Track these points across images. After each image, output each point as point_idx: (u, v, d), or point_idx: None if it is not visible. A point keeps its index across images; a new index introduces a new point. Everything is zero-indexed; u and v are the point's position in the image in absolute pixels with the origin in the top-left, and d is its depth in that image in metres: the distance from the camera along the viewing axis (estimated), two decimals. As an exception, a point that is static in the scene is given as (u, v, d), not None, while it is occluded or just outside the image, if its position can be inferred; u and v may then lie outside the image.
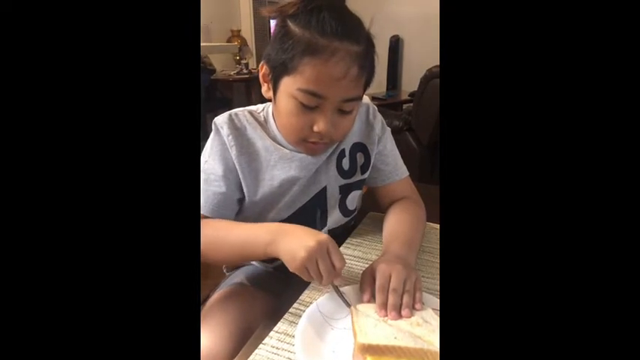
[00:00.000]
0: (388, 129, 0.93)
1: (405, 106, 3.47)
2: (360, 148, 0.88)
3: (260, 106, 0.86)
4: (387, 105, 3.35)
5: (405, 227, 0.81)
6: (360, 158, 0.88)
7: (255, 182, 0.81)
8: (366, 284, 0.67)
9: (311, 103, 0.69)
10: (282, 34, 0.69)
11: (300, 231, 0.64)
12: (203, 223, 0.75)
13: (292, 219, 0.86)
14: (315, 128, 0.72)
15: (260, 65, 0.77)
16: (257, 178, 0.81)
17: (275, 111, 0.78)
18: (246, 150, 0.80)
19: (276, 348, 0.60)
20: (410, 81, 3.79)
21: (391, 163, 0.91)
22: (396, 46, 3.78)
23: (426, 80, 2.35)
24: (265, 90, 0.78)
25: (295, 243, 0.62)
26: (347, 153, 0.87)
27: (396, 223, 0.84)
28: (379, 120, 0.90)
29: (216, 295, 0.86)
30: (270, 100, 0.79)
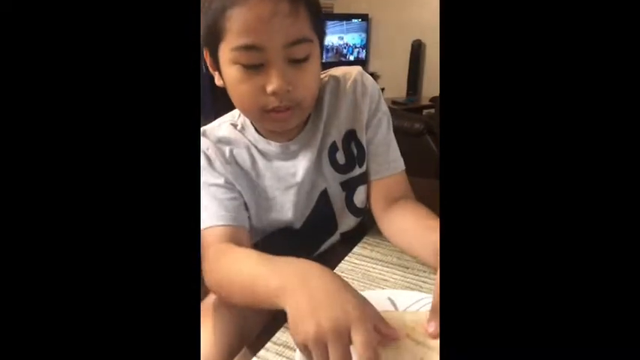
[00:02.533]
0: (385, 112, 0.76)
1: (425, 111, 3.35)
2: (352, 136, 0.74)
3: (235, 113, 0.76)
4: (408, 110, 3.23)
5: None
6: (354, 149, 0.75)
7: (252, 198, 0.72)
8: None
9: (252, 60, 0.59)
10: (205, 8, 0.60)
11: (317, 288, 0.43)
12: (221, 249, 0.62)
13: (303, 231, 0.76)
14: (269, 89, 0.59)
15: (204, 54, 0.67)
16: (251, 193, 0.72)
17: (229, 93, 0.67)
18: (232, 162, 0.71)
19: (273, 364, 0.48)
20: (431, 86, 3.67)
21: (382, 153, 0.76)
22: (417, 50, 3.67)
23: (450, 81, 2.22)
24: (217, 79, 0.67)
25: (304, 307, 0.42)
26: (339, 145, 0.75)
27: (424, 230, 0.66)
28: (371, 99, 0.74)
29: (213, 297, 0.76)
30: (225, 89, 0.68)
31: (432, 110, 3.29)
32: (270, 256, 0.53)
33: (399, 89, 3.73)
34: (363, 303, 0.43)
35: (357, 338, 0.39)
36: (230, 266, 0.58)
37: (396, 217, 0.71)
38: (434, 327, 0.45)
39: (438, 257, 0.52)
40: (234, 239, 0.64)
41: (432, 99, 3.35)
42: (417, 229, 0.65)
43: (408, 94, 3.73)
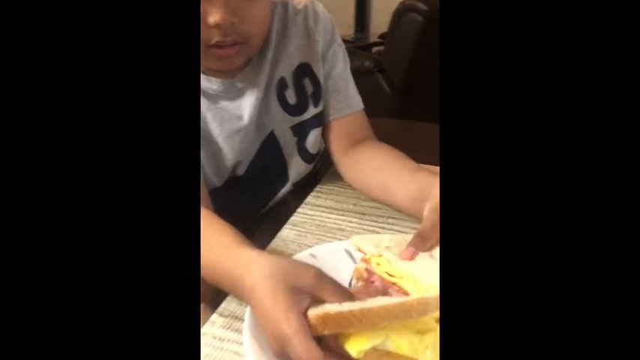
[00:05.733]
0: (340, 43, 0.69)
1: (374, 49, 3.25)
2: (305, 71, 0.66)
3: None
4: (356, 48, 3.12)
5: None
6: (308, 85, 0.67)
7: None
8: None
9: None
10: None
11: (261, 303, 0.39)
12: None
13: (247, 178, 0.68)
14: (211, 20, 0.52)
15: None
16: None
17: None
18: None
19: (220, 339, 0.43)
20: (380, 23, 3.55)
21: (341, 89, 0.69)
22: (364, -16, 3.51)
23: (398, 14, 2.12)
24: None
25: (261, 321, 0.39)
26: (289, 82, 0.66)
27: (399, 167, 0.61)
28: (324, 28, 0.67)
29: None
30: None
31: (382, 47, 3.20)
32: (229, 244, 0.47)
33: (346, 26, 3.58)
34: (297, 314, 0.36)
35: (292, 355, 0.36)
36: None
37: (363, 159, 0.65)
38: (410, 251, 0.41)
39: (421, 204, 0.51)
40: None
41: (381, 35, 3.25)
42: (392, 171, 0.60)
43: (356, 31, 3.60)
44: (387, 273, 0.43)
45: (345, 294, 0.39)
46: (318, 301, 0.38)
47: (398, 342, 0.35)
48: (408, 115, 2.18)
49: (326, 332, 0.36)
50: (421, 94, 2.08)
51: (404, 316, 0.35)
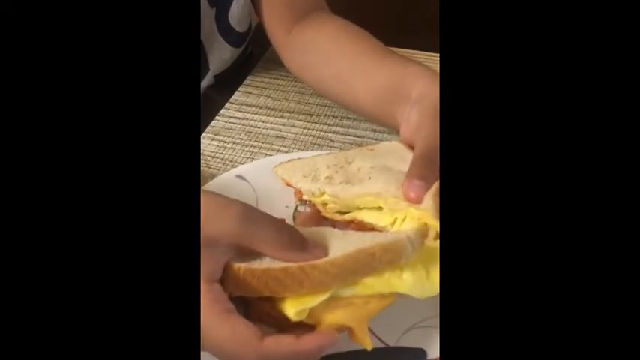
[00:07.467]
0: None
1: None
2: None
3: None
4: None
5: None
6: None
7: None
8: None
9: None
10: None
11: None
12: None
13: None
14: None
15: None
16: None
17: None
18: None
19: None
20: None
21: None
22: None
23: None
24: None
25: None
26: None
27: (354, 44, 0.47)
28: None
29: None
30: None
31: None
32: None
33: None
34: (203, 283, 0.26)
35: None
36: None
37: (313, 40, 0.50)
38: (417, 188, 0.30)
39: (392, 106, 0.39)
40: None
41: None
42: (351, 56, 0.46)
43: None
44: (339, 213, 0.33)
45: (287, 243, 0.27)
46: (246, 253, 0.27)
47: (361, 282, 0.27)
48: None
49: (250, 294, 0.27)
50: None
51: (364, 270, 0.27)
